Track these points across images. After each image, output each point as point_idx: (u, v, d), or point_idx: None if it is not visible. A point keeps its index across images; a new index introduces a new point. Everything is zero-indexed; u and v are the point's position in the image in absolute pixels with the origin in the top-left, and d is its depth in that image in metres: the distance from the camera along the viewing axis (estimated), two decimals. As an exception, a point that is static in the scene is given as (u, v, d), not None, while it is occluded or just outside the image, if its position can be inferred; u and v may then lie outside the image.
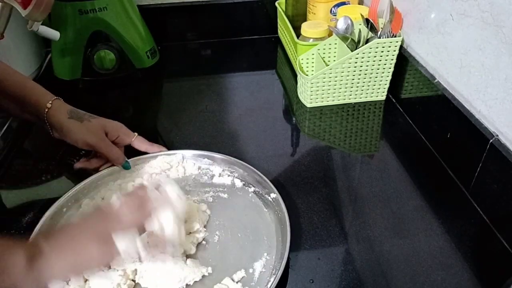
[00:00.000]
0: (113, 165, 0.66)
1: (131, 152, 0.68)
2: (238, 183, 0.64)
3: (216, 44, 1.11)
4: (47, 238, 0.45)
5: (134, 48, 0.92)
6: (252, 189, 0.63)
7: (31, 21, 0.75)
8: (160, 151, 0.68)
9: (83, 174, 0.65)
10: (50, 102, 0.63)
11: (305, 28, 0.87)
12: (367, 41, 0.78)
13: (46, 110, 0.63)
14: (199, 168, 0.68)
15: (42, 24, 0.78)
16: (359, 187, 0.65)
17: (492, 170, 0.57)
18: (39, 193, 0.66)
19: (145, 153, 0.68)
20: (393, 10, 0.76)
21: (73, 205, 0.60)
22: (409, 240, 0.56)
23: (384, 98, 0.85)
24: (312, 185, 0.65)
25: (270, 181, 0.60)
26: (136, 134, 0.68)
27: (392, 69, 0.81)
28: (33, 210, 0.59)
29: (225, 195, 0.63)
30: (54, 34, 0.81)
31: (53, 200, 0.59)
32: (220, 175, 0.66)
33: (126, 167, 0.66)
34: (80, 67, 0.90)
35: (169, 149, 0.69)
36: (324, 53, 0.86)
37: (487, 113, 0.59)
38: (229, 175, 0.65)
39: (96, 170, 0.66)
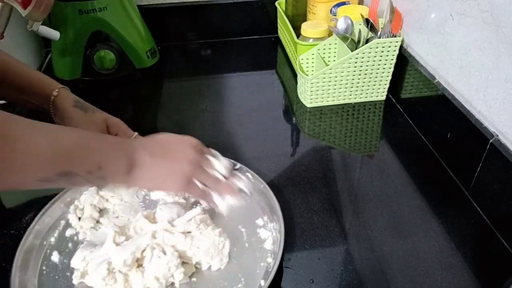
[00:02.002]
0: None
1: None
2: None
3: (216, 44, 1.11)
4: (145, 150, 0.50)
5: (134, 48, 0.92)
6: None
7: (31, 21, 0.76)
8: None
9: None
10: (57, 90, 0.64)
11: (305, 28, 0.87)
12: (367, 41, 0.78)
13: (53, 97, 0.64)
14: None
15: (42, 24, 0.78)
16: (359, 187, 0.65)
17: (492, 170, 0.57)
18: (39, 193, 0.66)
19: None
20: (393, 10, 0.76)
21: (69, 204, 0.61)
22: (409, 240, 0.56)
23: (384, 98, 0.85)
24: (312, 185, 0.65)
25: (270, 181, 0.60)
26: (136, 133, 0.68)
27: (392, 69, 0.81)
28: (33, 210, 0.59)
29: None
30: (54, 34, 0.81)
31: (51, 197, 0.59)
32: None
33: None
34: (80, 67, 0.90)
35: None
36: (324, 53, 0.86)
37: (487, 113, 0.59)
38: None
39: None
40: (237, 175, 0.57)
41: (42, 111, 0.66)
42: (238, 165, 0.64)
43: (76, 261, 0.51)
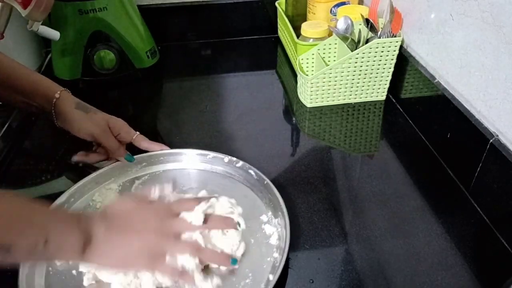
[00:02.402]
0: (113, 162, 0.66)
1: (133, 151, 0.68)
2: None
3: (216, 44, 1.11)
4: (102, 223, 0.45)
5: (134, 48, 0.92)
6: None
7: (31, 21, 0.76)
8: (161, 149, 0.68)
9: (82, 173, 0.65)
10: (58, 92, 0.64)
11: (305, 28, 0.87)
12: (367, 41, 0.78)
13: (54, 100, 0.64)
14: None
15: (42, 24, 0.78)
16: (359, 187, 0.65)
17: (492, 170, 0.57)
18: (39, 193, 0.66)
19: (146, 151, 0.68)
20: (393, 10, 0.76)
21: (71, 204, 0.61)
22: (409, 240, 0.56)
23: (384, 98, 0.85)
24: (312, 185, 0.65)
25: (271, 180, 0.60)
26: (137, 133, 0.68)
27: (392, 69, 0.81)
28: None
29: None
30: (54, 34, 0.81)
31: (52, 200, 0.59)
32: None
33: (129, 160, 0.66)
34: (80, 67, 0.90)
35: (171, 148, 0.69)
36: (324, 53, 0.86)
37: (487, 113, 0.59)
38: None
39: (93, 168, 0.66)
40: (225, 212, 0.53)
41: (44, 114, 0.66)
42: (240, 163, 0.64)
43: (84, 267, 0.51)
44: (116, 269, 0.47)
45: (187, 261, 0.46)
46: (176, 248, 0.47)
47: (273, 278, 0.48)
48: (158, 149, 0.68)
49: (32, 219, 0.41)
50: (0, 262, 0.38)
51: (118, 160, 0.66)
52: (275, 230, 0.56)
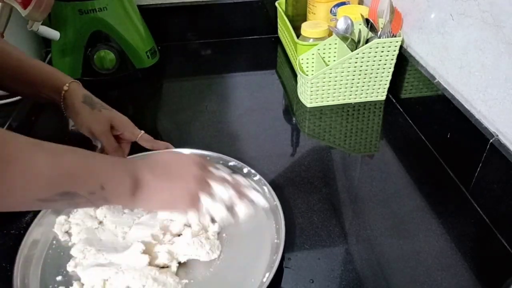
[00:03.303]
0: None
1: (137, 149, 0.68)
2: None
3: (216, 44, 1.11)
4: (149, 169, 0.49)
5: (134, 48, 0.92)
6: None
7: (31, 21, 0.76)
8: (166, 149, 0.68)
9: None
10: (67, 84, 0.64)
11: (305, 28, 0.87)
12: (367, 41, 0.78)
13: (63, 92, 0.64)
14: None
15: (42, 24, 0.78)
16: (359, 187, 0.65)
17: (492, 170, 0.57)
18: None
19: (151, 150, 0.68)
20: (393, 10, 0.76)
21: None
22: (409, 240, 0.56)
23: (384, 98, 0.85)
24: (312, 185, 0.65)
25: (270, 181, 0.61)
26: (142, 132, 0.68)
27: (392, 69, 0.81)
28: (33, 210, 0.59)
29: None
30: (54, 34, 0.81)
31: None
32: None
33: None
34: (80, 67, 0.90)
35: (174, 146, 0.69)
36: (324, 53, 0.86)
37: (487, 113, 0.59)
38: None
39: None
40: (247, 188, 0.57)
41: (54, 104, 0.66)
42: (246, 169, 0.64)
43: (75, 251, 0.52)
44: (161, 210, 0.53)
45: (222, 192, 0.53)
46: (211, 189, 0.52)
47: (268, 276, 0.48)
48: (162, 148, 0.68)
49: (91, 169, 0.45)
50: (64, 206, 0.48)
51: None
52: (272, 227, 0.56)
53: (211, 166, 0.55)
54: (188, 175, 0.51)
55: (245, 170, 0.64)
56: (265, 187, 0.60)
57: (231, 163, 0.65)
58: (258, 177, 0.62)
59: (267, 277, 0.48)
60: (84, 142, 0.66)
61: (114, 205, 0.54)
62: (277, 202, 0.58)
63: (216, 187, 0.53)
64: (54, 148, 0.43)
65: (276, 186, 0.60)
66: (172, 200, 0.51)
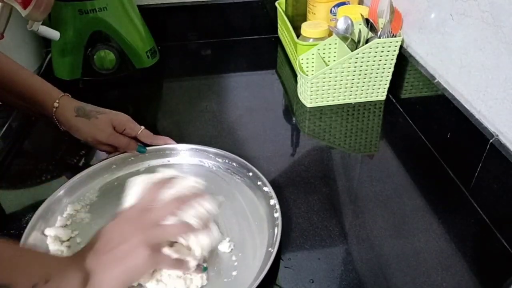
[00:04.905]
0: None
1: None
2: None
3: (216, 44, 1.11)
4: (93, 255, 0.45)
5: (134, 48, 0.92)
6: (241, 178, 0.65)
7: (31, 21, 0.76)
8: (166, 144, 0.69)
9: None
10: (57, 101, 0.64)
11: (305, 28, 0.87)
12: (367, 41, 0.78)
13: (54, 109, 0.64)
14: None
15: (42, 24, 0.78)
16: (359, 187, 0.65)
17: (492, 170, 0.57)
18: (39, 193, 0.66)
19: (151, 145, 0.69)
20: (393, 10, 0.76)
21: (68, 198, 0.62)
22: (409, 240, 0.56)
23: (384, 98, 0.85)
24: (312, 185, 0.65)
25: (270, 181, 0.61)
26: (142, 127, 0.69)
27: (392, 69, 0.81)
28: (33, 210, 0.59)
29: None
30: (54, 34, 0.81)
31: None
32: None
33: (141, 151, 0.67)
34: (80, 67, 0.90)
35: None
36: (324, 53, 0.86)
37: (487, 113, 0.59)
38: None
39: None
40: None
41: (46, 118, 0.66)
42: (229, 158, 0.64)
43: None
44: (125, 281, 0.46)
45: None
46: (164, 231, 0.48)
47: (263, 274, 0.48)
48: (162, 143, 0.69)
49: (33, 259, 0.42)
50: None
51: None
52: (266, 226, 0.56)
53: (158, 204, 0.49)
54: (136, 243, 0.46)
55: (250, 174, 0.63)
56: (265, 187, 0.60)
57: (234, 163, 0.66)
58: (256, 175, 0.62)
59: (262, 276, 0.48)
60: (85, 143, 0.67)
61: None
62: (276, 202, 0.57)
63: (170, 230, 0.48)
64: None
65: (276, 186, 0.60)
66: (127, 273, 0.45)
